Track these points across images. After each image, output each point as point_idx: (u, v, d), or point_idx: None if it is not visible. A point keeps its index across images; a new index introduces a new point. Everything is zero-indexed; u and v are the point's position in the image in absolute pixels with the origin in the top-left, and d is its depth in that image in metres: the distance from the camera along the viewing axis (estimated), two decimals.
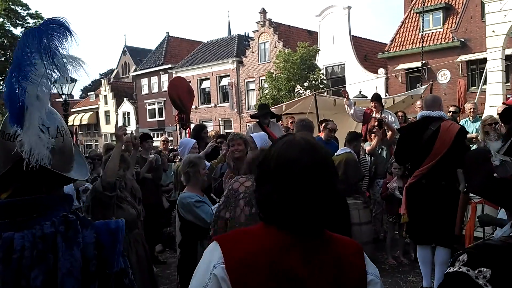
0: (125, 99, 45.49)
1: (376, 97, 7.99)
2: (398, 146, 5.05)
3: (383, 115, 8.13)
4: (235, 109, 33.41)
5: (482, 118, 6.52)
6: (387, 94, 24.55)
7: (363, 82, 23.90)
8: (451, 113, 7.20)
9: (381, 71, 26.19)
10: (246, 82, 33.28)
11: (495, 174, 1.37)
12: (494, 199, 1.54)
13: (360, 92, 20.32)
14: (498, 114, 7.18)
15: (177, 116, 9.91)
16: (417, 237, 5.00)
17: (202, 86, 36.32)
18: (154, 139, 7.59)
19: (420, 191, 4.65)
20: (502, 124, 5.59)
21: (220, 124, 34.27)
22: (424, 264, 4.87)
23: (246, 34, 36.26)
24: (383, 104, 8.26)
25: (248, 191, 3.32)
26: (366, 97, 17.26)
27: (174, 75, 31.71)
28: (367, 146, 7.03)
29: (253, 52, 32.57)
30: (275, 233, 1.26)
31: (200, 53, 36.91)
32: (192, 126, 9.53)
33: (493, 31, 14.36)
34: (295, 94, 23.89)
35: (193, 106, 29.33)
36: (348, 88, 25.34)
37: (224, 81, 34.73)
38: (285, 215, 1.26)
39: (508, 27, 14.07)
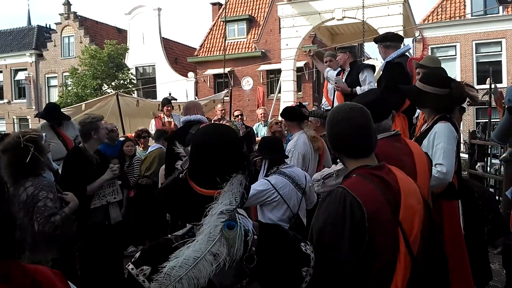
0: None
1: (168, 101, 8.60)
2: (166, 154, 5.08)
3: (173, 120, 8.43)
4: (34, 107, 30.20)
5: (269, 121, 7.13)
6: (196, 97, 25.25)
7: (173, 85, 24.12)
8: (238, 117, 7.79)
9: (191, 74, 26.83)
10: (47, 77, 30.49)
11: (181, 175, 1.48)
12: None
13: (170, 94, 20.39)
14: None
15: None
16: None
17: None
18: None
19: None
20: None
21: (15, 122, 30.57)
22: None
23: (48, 26, 33.17)
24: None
25: (29, 200, 3.07)
26: (176, 99, 17.43)
27: None
28: None
29: (55, 46, 29.99)
30: None
31: None
32: None
33: (287, 44, 16.03)
34: (102, 93, 22.79)
35: None
36: (159, 90, 25.38)
37: (21, 75, 31.16)
38: None
39: (299, 41, 15.87)
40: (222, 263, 1.24)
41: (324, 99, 6.73)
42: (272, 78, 24.88)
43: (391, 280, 1.71)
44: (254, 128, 8.17)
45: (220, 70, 24.52)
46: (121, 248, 4.60)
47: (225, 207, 1.28)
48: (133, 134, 7.75)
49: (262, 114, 8.16)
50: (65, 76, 28.57)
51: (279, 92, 16.80)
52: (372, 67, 5.53)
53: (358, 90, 5.29)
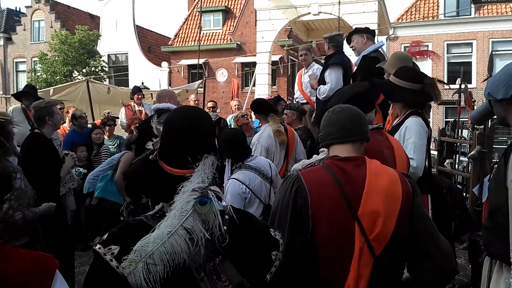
0: None
1: (138, 89, 8.49)
2: (137, 141, 4.97)
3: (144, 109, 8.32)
4: (1, 91, 29.28)
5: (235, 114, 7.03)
6: (169, 87, 24.97)
7: (146, 74, 23.74)
8: (210, 108, 7.74)
9: (165, 64, 26.46)
10: (15, 62, 29.59)
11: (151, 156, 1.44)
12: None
13: (142, 83, 20.11)
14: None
15: None
16: None
17: None
18: None
19: None
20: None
21: None
22: None
23: (17, 9, 32.19)
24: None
25: None
26: (149, 88, 17.19)
27: None
28: None
29: (24, 30, 29.08)
30: None
31: None
32: None
33: (262, 37, 15.94)
34: (73, 80, 22.25)
35: None
36: (131, 79, 24.93)
37: None
38: None
39: (275, 35, 15.82)
40: (195, 239, 1.22)
41: (297, 93, 6.71)
42: (247, 70, 24.78)
43: (345, 275, 1.68)
44: (228, 120, 8.10)
45: (194, 61, 24.25)
46: (72, 239, 4.45)
47: (197, 185, 1.28)
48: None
49: (236, 106, 8.09)
50: (34, 61, 27.78)
51: (254, 85, 16.74)
52: (342, 64, 5.36)
53: (319, 89, 5.33)
